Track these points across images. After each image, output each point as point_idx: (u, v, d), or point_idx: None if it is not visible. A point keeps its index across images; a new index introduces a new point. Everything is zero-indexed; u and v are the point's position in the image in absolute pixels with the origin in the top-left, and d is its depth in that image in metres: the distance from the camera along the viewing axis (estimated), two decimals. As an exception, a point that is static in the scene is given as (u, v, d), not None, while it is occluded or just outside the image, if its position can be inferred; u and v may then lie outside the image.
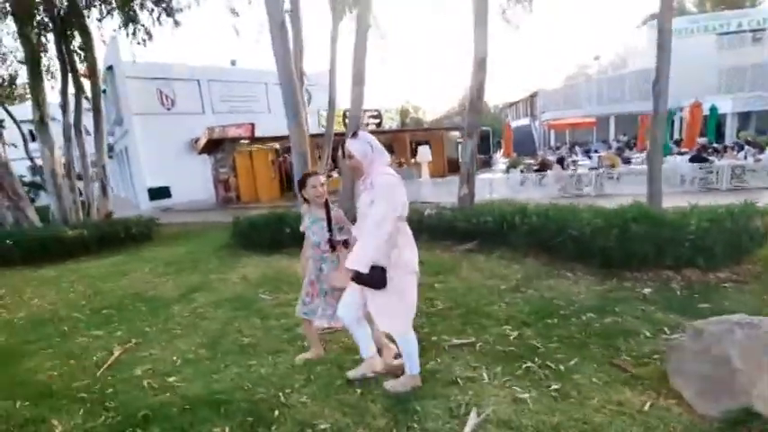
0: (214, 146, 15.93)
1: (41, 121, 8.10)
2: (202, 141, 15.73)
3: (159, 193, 17.62)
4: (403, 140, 17.88)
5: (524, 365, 2.56)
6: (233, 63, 20.57)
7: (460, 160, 8.05)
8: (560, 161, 12.65)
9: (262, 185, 15.81)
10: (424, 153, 14.73)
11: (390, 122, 20.47)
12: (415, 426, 2.03)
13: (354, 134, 2.20)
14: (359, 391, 2.37)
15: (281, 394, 2.39)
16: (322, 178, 2.58)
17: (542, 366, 2.54)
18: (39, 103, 7.99)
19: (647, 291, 3.74)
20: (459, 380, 2.42)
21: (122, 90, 16.76)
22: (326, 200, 2.57)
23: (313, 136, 8.60)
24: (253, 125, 13.75)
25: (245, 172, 15.57)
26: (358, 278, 2.11)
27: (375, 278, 2.08)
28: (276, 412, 2.22)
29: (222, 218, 12.12)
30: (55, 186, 8.42)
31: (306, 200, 2.63)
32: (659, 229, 3.99)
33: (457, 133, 21.44)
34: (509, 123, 24.75)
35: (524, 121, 31.43)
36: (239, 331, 3.29)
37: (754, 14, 24.74)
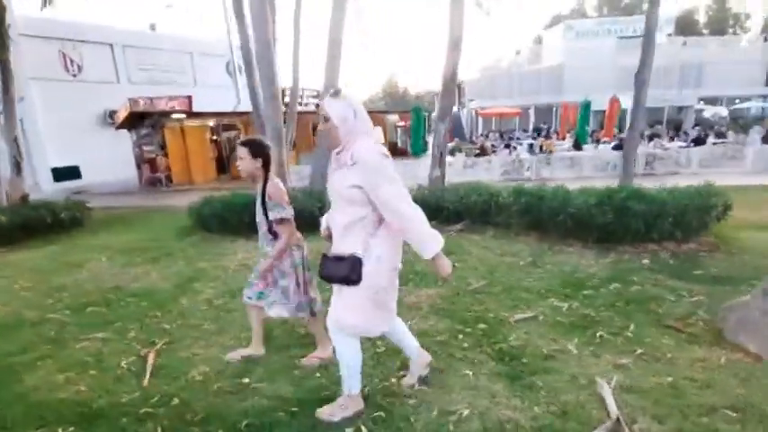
0: (137, 120, 14.09)
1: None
2: (122, 114, 13.80)
3: (67, 173, 15.16)
4: None
5: (596, 334, 2.72)
6: (152, 28, 18.20)
7: (432, 143, 8.15)
8: (507, 146, 13.43)
9: (197, 166, 14.44)
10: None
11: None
12: (554, 402, 2.05)
13: (336, 93, 1.77)
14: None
15: (386, 383, 2.25)
16: (239, 150, 2.25)
17: (611, 334, 2.73)
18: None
19: (645, 261, 4.20)
20: (553, 353, 2.50)
21: (15, 49, 13.91)
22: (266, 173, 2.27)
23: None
24: (190, 98, 12.38)
25: (176, 151, 14.04)
26: (327, 272, 1.82)
27: (348, 270, 1.74)
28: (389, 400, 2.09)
29: (153, 202, 10.93)
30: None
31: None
32: (650, 206, 4.47)
33: (396, 117, 21.65)
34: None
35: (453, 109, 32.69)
36: (285, 322, 3.01)
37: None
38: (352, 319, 1.84)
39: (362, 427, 1.90)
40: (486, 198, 5.82)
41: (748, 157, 11.17)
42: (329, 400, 2.05)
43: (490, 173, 11.99)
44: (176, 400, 2.17)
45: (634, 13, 31.92)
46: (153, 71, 17.17)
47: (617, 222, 4.53)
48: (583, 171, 11.99)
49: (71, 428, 1.99)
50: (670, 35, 27.45)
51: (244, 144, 2.25)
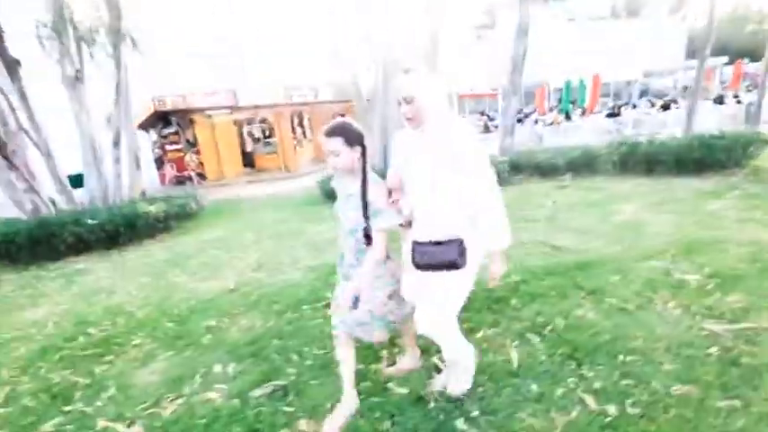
0: (158, 119, 13.95)
1: (76, 77, 6.56)
2: (144, 115, 13.61)
3: (78, 181, 14.50)
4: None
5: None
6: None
7: (500, 116, 9.56)
8: (520, 121, 15.29)
9: (227, 161, 14.64)
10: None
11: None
12: None
13: (413, 69, 1.94)
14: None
15: None
16: (330, 143, 1.70)
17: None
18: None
19: (734, 179, 5.93)
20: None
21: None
22: (364, 166, 1.75)
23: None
24: (234, 92, 12.63)
25: (208, 146, 14.16)
26: (428, 258, 1.66)
27: (457, 254, 1.60)
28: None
29: (220, 195, 11.24)
30: (95, 159, 6.96)
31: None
32: (727, 143, 6.25)
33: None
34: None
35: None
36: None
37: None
38: (457, 305, 1.73)
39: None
40: (584, 153, 7.40)
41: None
42: None
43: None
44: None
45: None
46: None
47: (710, 157, 6.24)
48: (585, 137, 14.14)
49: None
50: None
51: (334, 133, 1.68)
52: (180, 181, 14.70)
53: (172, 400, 2.13)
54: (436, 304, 1.70)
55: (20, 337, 3.19)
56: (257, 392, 2.09)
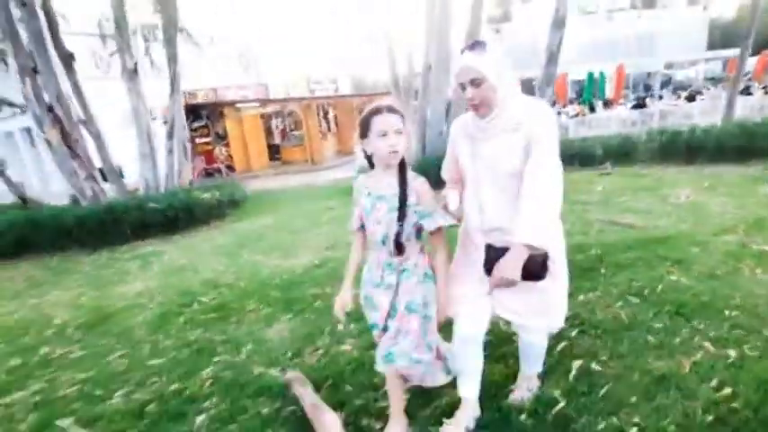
0: (189, 112, 14.27)
1: (134, 70, 6.85)
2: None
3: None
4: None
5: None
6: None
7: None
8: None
9: (254, 154, 14.95)
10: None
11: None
12: None
13: (475, 44, 1.38)
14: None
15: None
16: (395, 120, 1.43)
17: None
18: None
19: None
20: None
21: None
22: (403, 160, 1.49)
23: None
24: (266, 86, 12.90)
25: (237, 139, 14.48)
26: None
27: (533, 260, 1.37)
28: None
29: (258, 186, 11.52)
30: (150, 149, 7.27)
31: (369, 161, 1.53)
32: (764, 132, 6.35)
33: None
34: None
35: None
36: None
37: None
38: (561, 309, 1.61)
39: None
40: (622, 142, 7.53)
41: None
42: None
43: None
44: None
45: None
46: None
47: (748, 144, 6.34)
48: (610, 128, 14.16)
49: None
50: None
51: (394, 109, 1.45)
52: (209, 173, 15.04)
53: (311, 352, 2.38)
54: (542, 307, 1.56)
55: (132, 306, 3.48)
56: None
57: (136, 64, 6.94)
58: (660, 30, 29.17)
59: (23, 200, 7.87)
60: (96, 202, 6.92)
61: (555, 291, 1.56)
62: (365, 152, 1.51)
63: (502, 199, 1.45)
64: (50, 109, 6.62)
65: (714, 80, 23.96)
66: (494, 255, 1.44)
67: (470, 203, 1.56)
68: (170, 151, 7.56)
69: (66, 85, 7.00)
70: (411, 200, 1.47)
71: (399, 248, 1.49)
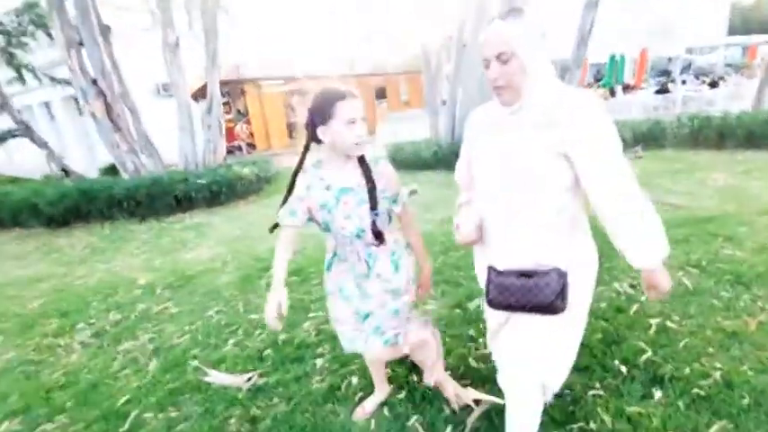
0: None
1: (176, 44, 6.98)
2: (196, 84, 14.04)
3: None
4: (417, 81, 17.36)
5: None
6: None
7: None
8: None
9: (275, 132, 15.07)
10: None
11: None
12: None
13: (511, 12, 1.12)
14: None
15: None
16: (361, 106, 1.33)
17: None
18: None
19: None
20: None
21: None
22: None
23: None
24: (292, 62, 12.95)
25: (258, 117, 14.60)
26: (511, 297, 1.19)
27: (554, 292, 1.14)
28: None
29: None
30: (190, 123, 7.45)
31: (306, 147, 1.40)
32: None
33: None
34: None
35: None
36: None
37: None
38: (565, 365, 1.32)
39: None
40: (652, 126, 7.63)
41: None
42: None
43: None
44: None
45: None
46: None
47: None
48: (632, 113, 14.14)
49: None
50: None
51: (358, 95, 1.34)
52: (229, 150, 15.22)
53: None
54: (520, 358, 1.28)
55: (209, 270, 3.75)
56: (471, 305, 2.58)
57: (177, 38, 7.05)
58: (680, 14, 28.56)
59: (65, 172, 8.12)
60: (137, 174, 7.17)
61: (565, 335, 1.26)
62: (316, 140, 1.36)
63: (516, 223, 1.18)
64: (94, 82, 6.80)
65: (734, 66, 23.58)
66: (496, 279, 1.21)
67: (485, 214, 1.30)
68: (209, 126, 7.74)
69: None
70: (379, 186, 1.39)
71: (379, 237, 1.41)
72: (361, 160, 1.39)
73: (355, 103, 1.30)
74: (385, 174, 1.42)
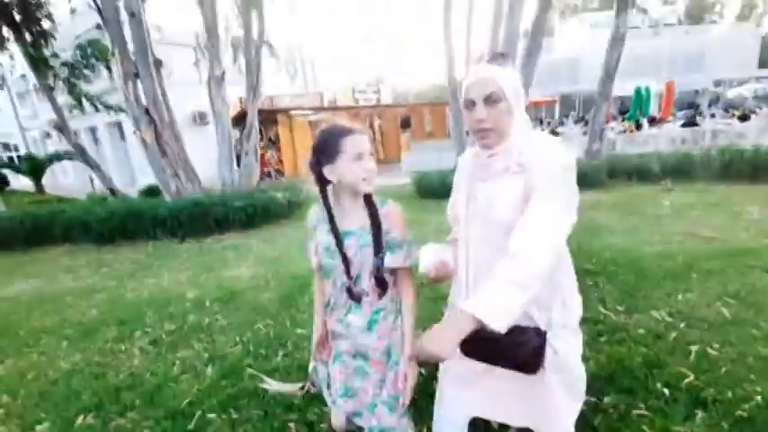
0: (242, 118, 15.16)
1: (221, 77, 7.55)
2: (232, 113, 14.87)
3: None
4: (441, 112, 18.07)
5: None
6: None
7: (592, 120, 9.83)
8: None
9: (303, 158, 15.60)
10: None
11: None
12: None
13: (498, 56, 1.17)
14: None
15: None
16: (368, 141, 1.25)
17: None
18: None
19: None
20: None
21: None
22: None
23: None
24: (321, 94, 13.62)
25: (287, 144, 15.24)
26: (488, 351, 1.16)
27: (524, 348, 1.13)
28: None
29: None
30: (229, 150, 7.93)
31: (322, 191, 1.31)
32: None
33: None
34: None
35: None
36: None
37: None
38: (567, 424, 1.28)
39: None
40: (681, 158, 7.65)
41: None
42: None
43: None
44: None
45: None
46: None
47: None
48: (659, 146, 14.08)
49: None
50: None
51: (364, 131, 1.27)
52: (260, 176, 15.88)
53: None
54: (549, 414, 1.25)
55: (253, 287, 3.96)
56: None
57: (223, 72, 7.62)
58: (709, 46, 28.55)
59: (113, 192, 8.66)
60: (179, 196, 7.60)
61: (558, 393, 1.22)
62: (323, 180, 1.27)
63: (491, 257, 1.09)
64: (146, 111, 7.36)
65: (765, 99, 23.25)
66: (470, 337, 1.07)
67: (460, 261, 1.28)
68: (246, 153, 8.18)
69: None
70: (384, 227, 1.28)
71: (382, 285, 1.29)
72: (368, 200, 1.29)
73: (363, 138, 1.24)
74: (389, 213, 1.30)
